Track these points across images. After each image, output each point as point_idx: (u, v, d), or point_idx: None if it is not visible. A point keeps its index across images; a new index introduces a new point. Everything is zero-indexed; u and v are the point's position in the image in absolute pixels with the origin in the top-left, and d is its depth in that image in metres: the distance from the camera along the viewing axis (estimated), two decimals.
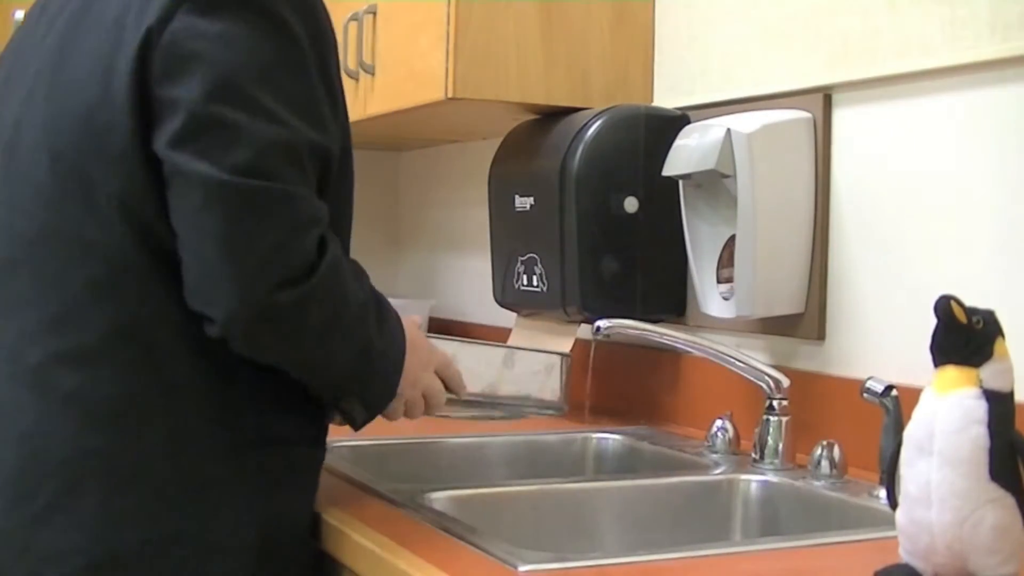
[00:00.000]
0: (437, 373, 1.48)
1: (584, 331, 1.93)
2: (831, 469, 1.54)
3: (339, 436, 1.79)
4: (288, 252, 1.20)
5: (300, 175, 1.23)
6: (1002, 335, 1.04)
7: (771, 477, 1.58)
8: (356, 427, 1.39)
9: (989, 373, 1.02)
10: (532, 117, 2.15)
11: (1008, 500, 1.00)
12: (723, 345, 1.72)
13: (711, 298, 1.80)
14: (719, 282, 1.79)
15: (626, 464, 1.85)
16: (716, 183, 1.76)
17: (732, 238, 1.74)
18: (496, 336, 2.21)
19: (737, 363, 1.68)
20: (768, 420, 1.63)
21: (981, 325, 1.03)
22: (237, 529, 1.26)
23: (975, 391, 1.01)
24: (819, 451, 1.55)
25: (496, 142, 2.23)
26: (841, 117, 1.71)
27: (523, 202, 2.07)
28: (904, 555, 1.05)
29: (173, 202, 1.21)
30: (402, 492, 1.43)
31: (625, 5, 2.07)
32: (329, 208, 1.28)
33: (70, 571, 1.22)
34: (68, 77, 1.27)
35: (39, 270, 1.27)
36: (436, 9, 2.01)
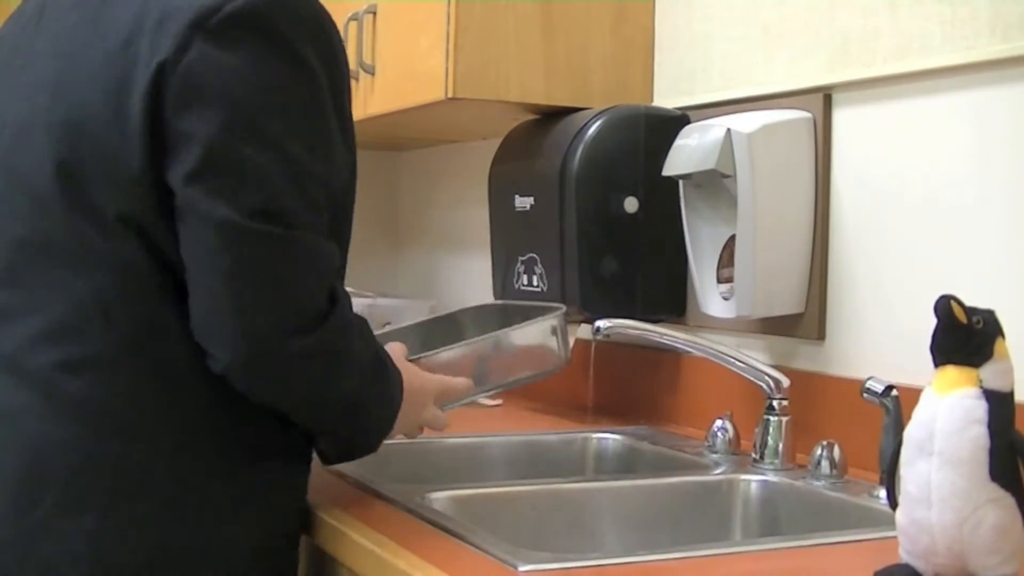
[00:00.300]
0: (443, 396, 1.51)
1: (584, 331, 1.93)
2: (831, 469, 1.54)
3: None
4: (299, 301, 1.21)
5: (314, 216, 1.23)
6: (1002, 335, 1.04)
7: (771, 477, 1.58)
8: (326, 464, 1.41)
9: (989, 373, 1.02)
10: (532, 117, 2.15)
11: (1008, 500, 1.00)
12: (723, 345, 1.72)
13: (711, 298, 1.80)
14: (719, 282, 1.79)
15: (626, 464, 1.85)
16: (716, 183, 1.76)
17: (732, 238, 1.74)
18: None
19: (737, 363, 1.68)
20: (768, 420, 1.63)
21: (981, 325, 1.03)
22: (234, 540, 1.27)
23: (975, 391, 1.01)
24: (819, 451, 1.55)
25: (496, 142, 2.23)
26: (841, 117, 1.71)
27: (523, 202, 2.07)
28: (904, 555, 1.05)
29: (185, 236, 1.21)
30: (402, 492, 1.43)
31: (625, 5, 2.07)
32: (334, 237, 1.29)
33: None
34: (76, 95, 1.25)
35: (42, 278, 1.27)
36: (436, 9, 2.01)
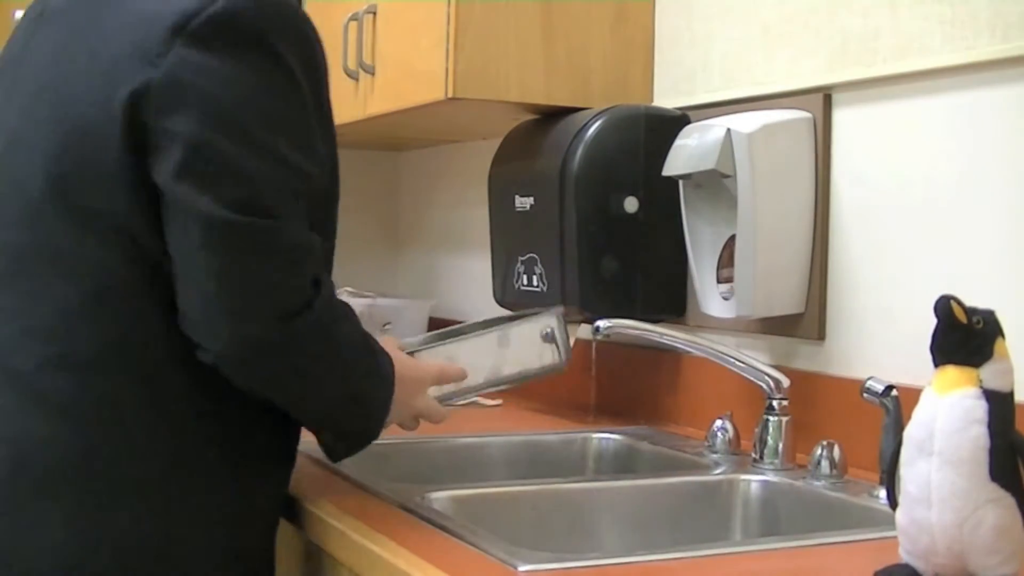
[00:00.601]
0: (439, 384, 1.53)
1: (584, 331, 1.93)
2: (831, 469, 1.54)
3: None
4: (285, 289, 1.24)
5: (296, 209, 1.26)
6: (1002, 335, 1.04)
7: (771, 477, 1.58)
8: (335, 459, 1.43)
9: (989, 373, 1.02)
10: (532, 117, 2.15)
11: (1008, 500, 1.00)
12: (723, 345, 1.72)
13: (711, 298, 1.80)
14: (719, 282, 1.79)
15: (626, 464, 1.85)
16: (716, 183, 1.76)
17: (732, 238, 1.74)
18: None
19: (737, 363, 1.68)
20: (768, 420, 1.63)
21: (981, 325, 1.03)
22: (210, 539, 1.29)
23: (975, 391, 1.01)
24: (819, 451, 1.55)
25: (496, 142, 2.23)
26: (841, 117, 1.71)
27: (523, 202, 2.07)
28: (904, 555, 1.05)
29: (172, 233, 1.24)
30: (402, 492, 1.43)
31: (625, 5, 2.07)
32: (318, 230, 1.31)
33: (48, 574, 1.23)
34: (70, 103, 1.28)
35: (29, 282, 1.29)
36: (436, 9, 2.01)
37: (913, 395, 1.07)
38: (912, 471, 1.02)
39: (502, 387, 1.84)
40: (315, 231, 1.30)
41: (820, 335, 1.73)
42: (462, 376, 1.60)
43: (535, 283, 2.04)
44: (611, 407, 2.14)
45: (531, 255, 2.06)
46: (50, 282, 1.28)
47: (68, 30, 1.33)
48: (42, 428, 1.25)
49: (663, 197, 1.88)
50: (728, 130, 1.69)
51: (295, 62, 1.29)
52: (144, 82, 1.23)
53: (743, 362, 1.67)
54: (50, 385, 1.26)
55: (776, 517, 1.55)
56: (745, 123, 1.70)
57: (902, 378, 1.44)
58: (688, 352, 1.80)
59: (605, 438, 1.90)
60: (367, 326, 1.70)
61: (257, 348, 1.24)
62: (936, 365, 1.04)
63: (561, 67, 2.04)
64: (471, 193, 2.70)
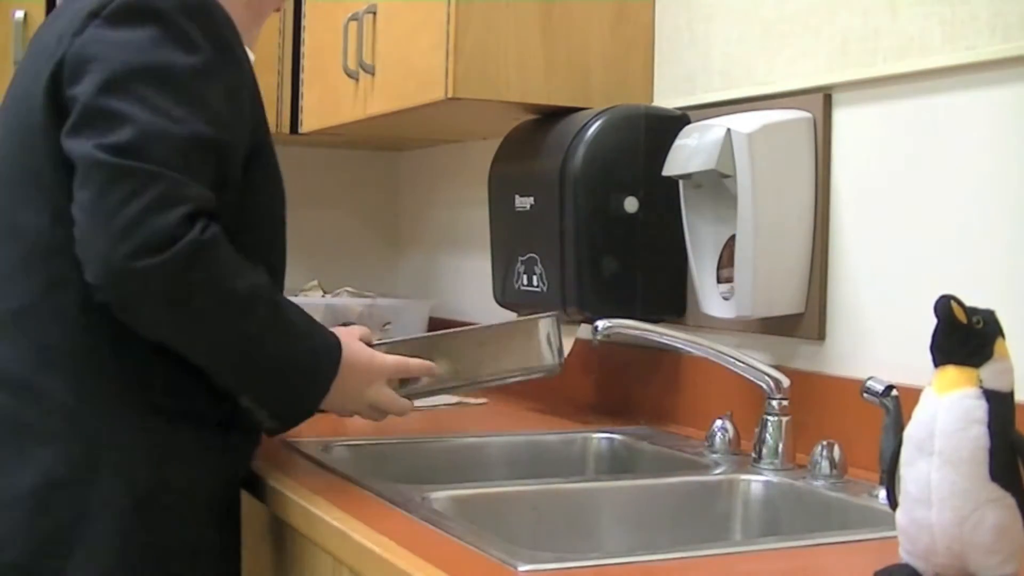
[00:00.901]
0: (399, 375, 1.60)
1: (584, 331, 1.93)
2: (831, 469, 1.54)
3: (339, 436, 1.80)
4: (148, 225, 1.32)
5: (177, 161, 1.36)
6: (1002, 335, 1.04)
7: (771, 477, 1.58)
8: (267, 432, 1.54)
9: (989, 373, 1.02)
10: (532, 117, 2.15)
11: (1008, 500, 1.00)
12: (723, 345, 1.72)
13: (711, 298, 1.80)
14: (719, 282, 1.79)
15: (626, 464, 1.85)
16: (716, 183, 1.76)
17: (732, 238, 1.74)
18: None
19: (737, 363, 1.68)
20: (768, 420, 1.63)
21: (981, 325, 1.03)
22: (115, 486, 1.40)
23: (975, 391, 1.01)
24: (819, 451, 1.55)
25: (496, 142, 2.23)
26: (841, 117, 1.71)
27: (523, 202, 2.07)
28: (904, 555, 1.05)
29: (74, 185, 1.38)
30: (402, 492, 1.43)
31: (625, 5, 2.07)
32: (243, 203, 1.45)
33: None
34: (21, 87, 1.49)
35: None
36: (436, 9, 2.01)
37: (913, 395, 1.07)
38: (912, 471, 1.02)
39: (481, 386, 1.84)
40: (241, 198, 1.44)
41: (820, 335, 1.73)
42: (426, 371, 1.63)
43: (535, 283, 2.04)
44: (611, 407, 2.14)
45: (531, 255, 2.06)
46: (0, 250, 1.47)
47: (43, 30, 1.53)
48: None
49: (663, 197, 1.88)
50: (728, 130, 1.69)
51: (200, 39, 1.41)
52: (60, 57, 1.40)
53: (743, 362, 1.67)
54: None
55: (776, 517, 1.55)
56: (745, 123, 1.70)
57: (902, 378, 1.44)
58: (688, 352, 1.80)
59: (605, 438, 1.90)
60: (368, 326, 1.71)
61: (119, 277, 1.33)
62: (936, 365, 1.04)
63: (561, 67, 2.04)
64: (471, 193, 2.70)
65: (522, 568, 1.11)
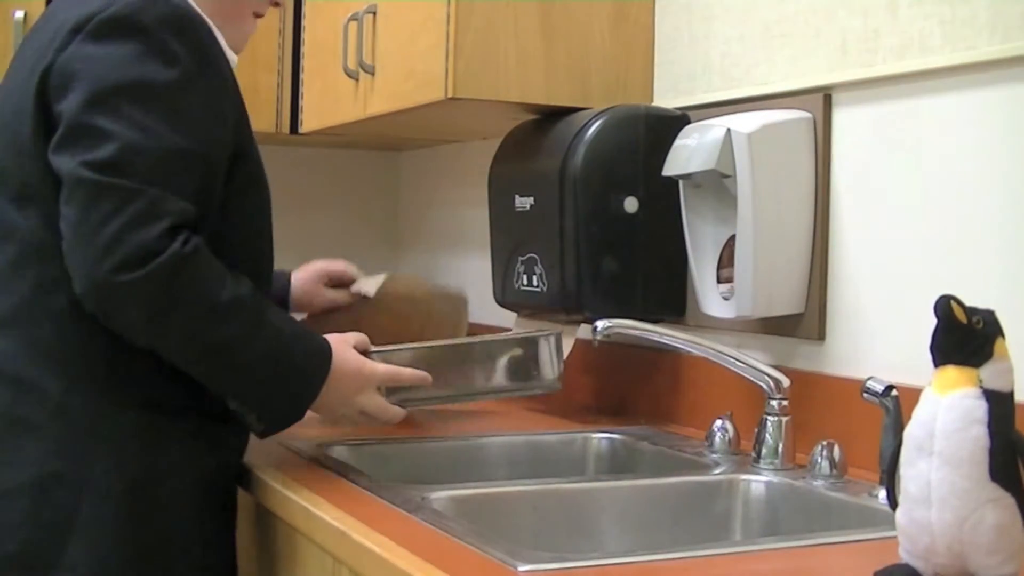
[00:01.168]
0: (390, 384, 1.65)
1: (584, 331, 1.93)
2: (831, 469, 1.54)
3: (339, 436, 1.80)
4: (129, 240, 1.37)
5: (158, 176, 1.40)
6: (1002, 335, 1.04)
7: (771, 477, 1.58)
8: (256, 435, 1.56)
9: (989, 373, 1.02)
10: (532, 117, 2.15)
11: (1008, 500, 1.00)
12: (723, 345, 1.72)
13: (711, 298, 1.80)
14: (719, 282, 1.79)
15: (626, 464, 1.85)
16: (716, 183, 1.76)
17: (732, 238, 1.74)
18: None
19: (737, 363, 1.68)
20: (768, 420, 1.63)
21: (981, 325, 1.03)
22: (108, 479, 1.44)
23: (975, 391, 1.01)
24: (819, 451, 1.55)
25: (496, 142, 2.23)
26: (841, 117, 1.71)
27: (523, 202, 2.07)
28: (904, 555, 1.05)
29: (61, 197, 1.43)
30: (402, 492, 1.43)
31: (625, 5, 2.07)
32: (226, 210, 1.48)
33: None
34: (10, 98, 1.52)
35: None
36: (436, 9, 2.01)
37: (913, 395, 1.07)
38: (912, 471, 1.02)
39: (477, 399, 1.85)
40: (225, 208, 1.48)
41: (820, 335, 1.73)
42: (417, 380, 1.67)
43: (535, 283, 2.04)
44: (611, 407, 2.14)
45: (531, 255, 2.06)
46: None
47: (27, 42, 1.57)
48: None
49: (663, 197, 1.88)
50: (728, 130, 1.69)
51: (182, 53, 1.45)
52: (46, 70, 1.44)
53: (743, 362, 1.67)
54: None
55: (776, 517, 1.55)
56: (745, 123, 1.70)
57: (902, 378, 1.44)
58: (688, 352, 1.80)
59: (605, 438, 1.90)
60: None
61: (103, 291, 1.38)
62: (936, 365, 1.04)
63: (561, 67, 2.04)
64: (471, 193, 2.70)
65: (522, 568, 1.11)
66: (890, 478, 1.08)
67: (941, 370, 1.03)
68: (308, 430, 1.77)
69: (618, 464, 1.87)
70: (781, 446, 1.62)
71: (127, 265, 1.37)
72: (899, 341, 1.60)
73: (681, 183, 1.82)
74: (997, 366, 1.02)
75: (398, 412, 1.65)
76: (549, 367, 1.78)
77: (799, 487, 1.54)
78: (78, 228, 1.39)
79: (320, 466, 1.60)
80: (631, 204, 1.94)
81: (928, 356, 1.04)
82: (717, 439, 1.73)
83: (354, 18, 2.30)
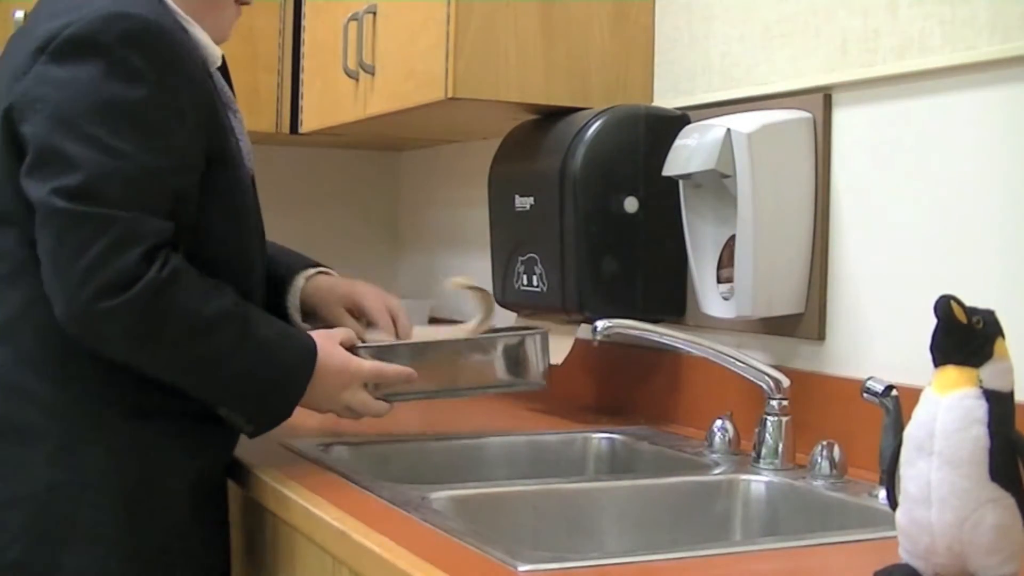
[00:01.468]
0: (375, 381, 1.65)
1: (584, 331, 1.93)
2: (831, 469, 1.54)
3: (339, 436, 1.80)
4: (107, 268, 1.38)
5: (131, 199, 1.40)
6: (1002, 335, 1.04)
7: (771, 477, 1.58)
8: (246, 435, 1.58)
9: (989, 373, 1.02)
10: (532, 117, 2.15)
11: (1008, 500, 1.00)
12: (723, 345, 1.72)
13: (711, 298, 1.80)
14: (719, 282, 1.79)
15: (626, 464, 1.85)
16: (716, 183, 1.76)
17: (732, 238, 1.74)
18: None
19: (737, 363, 1.68)
20: (768, 420, 1.63)
21: (981, 325, 1.03)
22: (105, 484, 1.45)
23: (975, 391, 1.01)
24: (819, 451, 1.55)
25: (496, 142, 2.23)
26: (841, 117, 1.71)
27: (523, 202, 2.07)
28: (904, 555, 1.05)
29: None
30: (402, 492, 1.43)
31: (625, 5, 2.07)
32: (208, 217, 1.49)
33: None
34: None
35: None
36: (436, 9, 2.01)
37: (913, 395, 1.07)
38: (912, 471, 1.02)
39: (462, 396, 1.86)
40: (206, 218, 1.48)
41: (820, 335, 1.73)
42: (402, 377, 1.67)
43: (535, 283, 2.04)
44: (611, 407, 2.14)
45: (531, 255, 2.06)
46: None
47: (3, 59, 1.57)
48: None
49: (663, 197, 1.88)
50: (728, 130, 1.69)
51: (147, 70, 1.43)
52: (12, 96, 1.45)
53: (743, 362, 1.67)
54: None
55: (776, 517, 1.55)
56: (745, 123, 1.70)
57: (902, 378, 1.44)
58: (688, 352, 1.80)
59: (605, 438, 1.90)
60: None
61: (85, 318, 1.39)
62: (936, 365, 1.04)
63: (561, 67, 2.04)
64: (471, 193, 2.70)
65: (522, 568, 1.11)
66: (890, 478, 1.08)
67: (941, 370, 1.03)
68: (308, 428, 1.77)
69: (618, 464, 1.87)
70: (781, 446, 1.62)
71: (106, 292, 1.38)
72: (899, 341, 1.60)
73: (681, 183, 1.82)
74: (997, 366, 1.02)
75: (383, 407, 1.66)
76: (535, 365, 1.79)
77: (799, 487, 1.54)
78: (54, 258, 1.40)
79: (320, 466, 1.60)
80: (631, 204, 1.94)
81: (928, 356, 1.04)
82: (717, 439, 1.73)
83: (354, 18, 2.30)
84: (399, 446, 1.83)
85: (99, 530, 1.45)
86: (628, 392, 2.12)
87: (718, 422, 1.74)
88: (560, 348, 1.98)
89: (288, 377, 1.55)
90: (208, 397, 1.51)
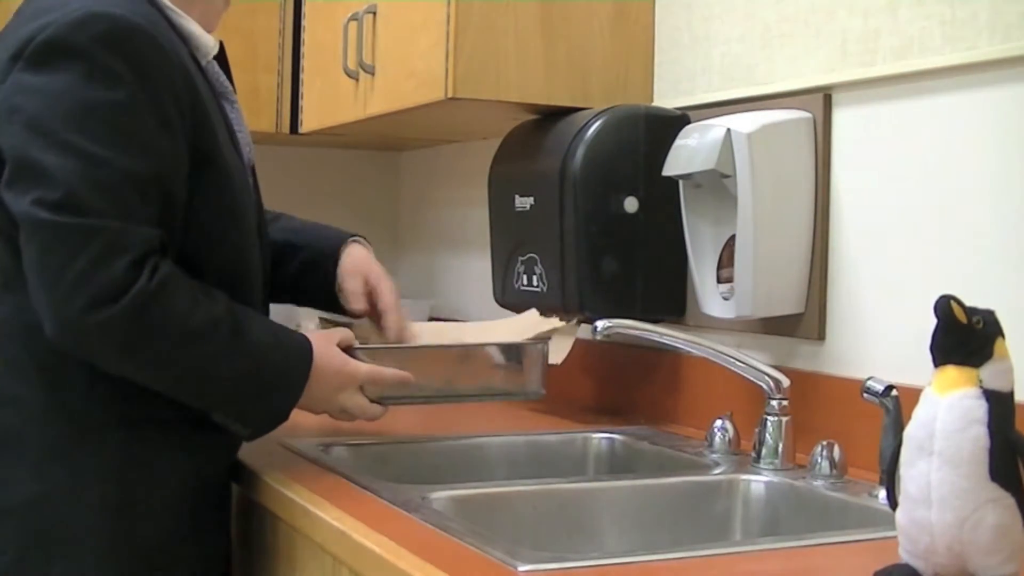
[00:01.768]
0: (372, 384, 1.63)
1: (584, 331, 1.93)
2: (831, 469, 1.54)
3: (339, 436, 1.80)
4: (95, 281, 1.35)
5: (115, 208, 1.37)
6: (1002, 335, 1.04)
7: (771, 477, 1.58)
8: (243, 439, 1.57)
9: (989, 373, 1.02)
10: (532, 117, 2.15)
11: (1008, 500, 1.00)
12: (723, 345, 1.72)
13: (711, 298, 1.80)
14: (719, 282, 1.79)
15: (626, 464, 1.85)
16: (716, 183, 1.76)
17: (732, 238, 1.74)
18: None
19: (737, 363, 1.68)
20: (768, 420, 1.63)
21: (981, 325, 1.03)
22: (96, 492, 1.44)
23: (975, 391, 1.01)
24: (819, 451, 1.55)
25: (496, 142, 2.23)
26: (841, 117, 1.71)
27: (523, 202, 2.07)
28: (904, 555, 1.05)
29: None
30: (402, 492, 1.43)
31: (625, 5, 2.07)
32: (198, 218, 1.46)
33: None
34: None
35: None
36: (436, 9, 2.01)
37: (913, 395, 1.07)
38: (912, 471, 1.02)
39: (458, 402, 1.85)
40: (195, 218, 1.46)
41: (820, 335, 1.73)
42: (399, 380, 1.66)
43: (535, 283, 2.04)
44: (611, 407, 2.14)
45: (531, 255, 2.06)
46: None
47: None
48: None
49: (663, 197, 1.88)
50: (728, 130, 1.69)
51: (126, 71, 1.40)
52: None
53: (743, 362, 1.67)
54: None
55: (776, 517, 1.55)
56: (745, 123, 1.70)
57: (902, 378, 1.44)
58: (688, 352, 1.80)
59: (605, 438, 1.90)
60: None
61: (75, 332, 1.37)
62: (936, 365, 1.04)
63: (561, 67, 2.04)
64: (471, 193, 2.70)
65: (522, 568, 1.11)
66: (890, 478, 1.08)
67: (941, 370, 1.03)
68: (308, 429, 1.77)
69: (618, 464, 1.87)
70: (781, 446, 1.62)
71: (95, 305, 1.36)
72: (899, 341, 1.60)
73: (681, 183, 1.82)
74: (997, 366, 1.02)
75: (378, 410, 1.65)
76: (533, 375, 1.78)
77: (799, 487, 1.54)
78: (41, 272, 1.37)
79: (320, 466, 1.60)
80: (631, 204, 1.94)
81: (928, 356, 1.04)
82: (717, 439, 1.73)
83: (354, 18, 2.30)
84: (399, 446, 1.83)
85: (90, 539, 1.44)
86: (628, 392, 2.12)
87: (718, 422, 1.74)
88: (560, 348, 1.98)
89: (283, 381, 1.53)
90: (202, 404, 1.50)
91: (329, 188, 3.15)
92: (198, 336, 1.43)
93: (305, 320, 1.87)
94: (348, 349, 1.64)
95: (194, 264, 1.46)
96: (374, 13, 2.26)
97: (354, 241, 1.83)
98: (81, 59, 1.39)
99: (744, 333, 1.85)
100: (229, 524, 1.62)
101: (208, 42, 1.57)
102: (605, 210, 1.94)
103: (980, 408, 1.00)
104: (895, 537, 1.06)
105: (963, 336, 1.02)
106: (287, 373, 1.54)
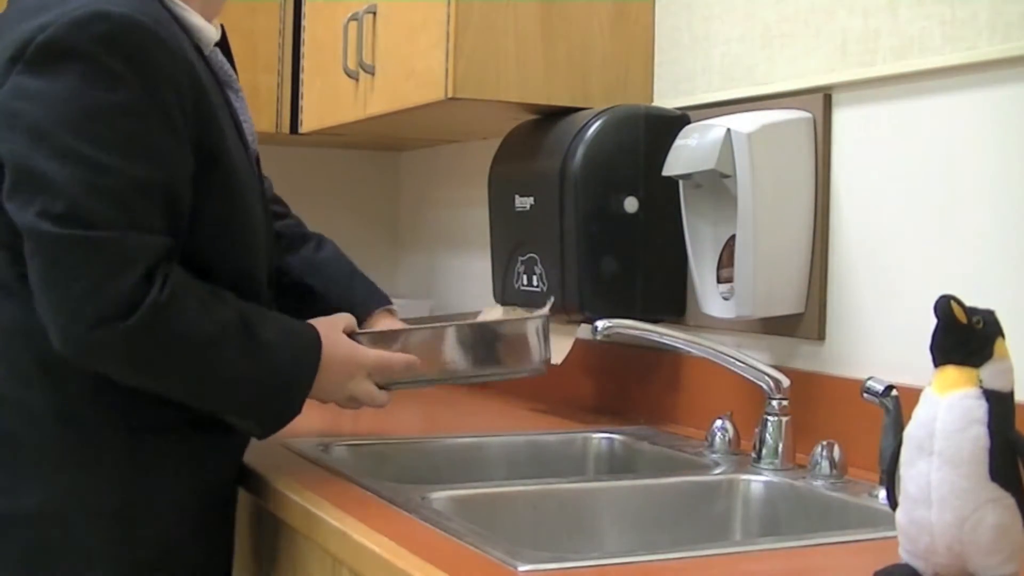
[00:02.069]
0: (380, 371, 1.61)
1: (584, 331, 1.93)
2: (831, 469, 1.54)
3: (339, 436, 1.80)
4: (103, 295, 1.33)
5: (121, 217, 1.34)
6: (1002, 335, 1.04)
7: (771, 477, 1.58)
8: (256, 438, 1.57)
9: (989, 373, 1.02)
10: (532, 117, 2.15)
11: (1008, 500, 1.00)
12: (723, 345, 1.72)
13: (711, 298, 1.80)
14: (719, 282, 1.79)
15: (626, 464, 1.85)
16: (716, 183, 1.76)
17: (732, 238, 1.74)
18: None
19: (737, 363, 1.68)
20: (768, 420, 1.63)
21: (981, 325, 1.03)
22: (102, 500, 1.43)
23: (975, 391, 1.01)
24: (819, 451, 1.55)
25: (496, 142, 2.23)
26: (841, 117, 1.71)
27: (523, 202, 2.07)
28: (904, 555, 1.05)
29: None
30: (402, 492, 1.43)
31: (625, 5, 2.07)
32: (204, 217, 1.43)
33: None
34: None
35: None
36: (436, 9, 2.01)
37: (913, 395, 1.07)
38: (912, 471, 1.02)
39: (464, 382, 1.84)
40: (202, 221, 1.42)
41: (820, 335, 1.73)
42: (406, 364, 1.64)
43: (535, 283, 2.04)
44: (611, 407, 2.14)
45: (531, 255, 2.06)
46: None
47: None
48: None
49: (663, 197, 1.88)
50: (728, 130, 1.69)
51: (128, 73, 1.36)
52: None
53: (743, 362, 1.67)
54: None
55: (776, 517, 1.55)
56: (745, 123, 1.70)
57: (902, 378, 1.44)
58: (688, 352, 1.80)
59: (605, 438, 1.90)
60: None
61: (84, 348, 1.35)
62: (936, 365, 1.04)
63: (561, 67, 2.04)
64: (471, 193, 2.70)
65: (522, 568, 1.11)
66: (890, 478, 1.08)
67: (941, 370, 1.03)
68: (308, 429, 1.77)
69: (618, 464, 1.87)
70: (781, 446, 1.62)
71: (103, 321, 1.33)
72: (899, 341, 1.60)
73: (681, 183, 1.82)
74: (997, 366, 1.02)
75: (385, 397, 1.64)
76: (536, 350, 1.77)
77: (799, 487, 1.54)
78: (47, 286, 1.34)
79: (320, 466, 1.60)
80: (631, 204, 1.94)
81: (928, 356, 1.04)
82: (717, 439, 1.73)
83: (354, 18, 2.30)
84: (399, 446, 1.83)
85: (95, 547, 1.43)
86: (628, 392, 2.12)
87: (718, 422, 1.74)
88: (560, 348, 1.98)
89: (295, 376, 1.52)
90: (215, 408, 1.48)
91: (329, 188, 3.15)
92: (209, 344, 1.41)
93: None
94: (351, 334, 1.63)
95: (200, 264, 1.44)
96: (374, 13, 2.26)
97: (386, 310, 1.81)
98: (81, 61, 1.35)
99: (744, 333, 1.85)
100: (233, 526, 1.61)
101: (209, 32, 1.53)
102: (605, 210, 1.94)
103: (980, 408, 1.00)
104: (895, 537, 1.06)
105: (963, 336, 1.02)
106: (298, 369, 1.52)
